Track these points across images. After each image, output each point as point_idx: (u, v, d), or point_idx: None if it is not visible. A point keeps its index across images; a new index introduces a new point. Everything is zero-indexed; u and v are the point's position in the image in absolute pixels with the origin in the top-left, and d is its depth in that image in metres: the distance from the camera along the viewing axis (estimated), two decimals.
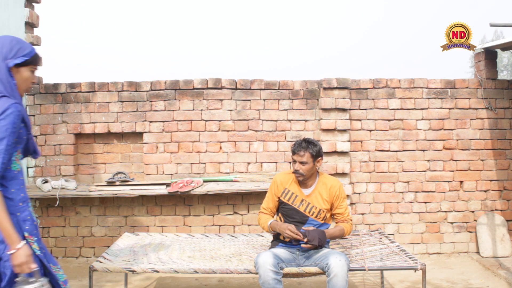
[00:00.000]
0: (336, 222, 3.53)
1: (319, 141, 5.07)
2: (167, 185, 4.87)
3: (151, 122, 5.05)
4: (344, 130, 5.01)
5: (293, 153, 3.39)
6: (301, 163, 3.37)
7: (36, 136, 5.04)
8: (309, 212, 3.40)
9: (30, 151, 2.32)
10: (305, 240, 3.23)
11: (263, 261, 3.08)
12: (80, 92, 5.06)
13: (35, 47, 5.14)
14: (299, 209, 3.41)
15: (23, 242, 2.09)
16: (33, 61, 2.25)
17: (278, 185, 3.49)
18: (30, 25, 5.08)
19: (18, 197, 2.16)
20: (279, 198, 3.50)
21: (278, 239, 3.50)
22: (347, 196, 4.98)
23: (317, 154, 3.39)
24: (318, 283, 4.24)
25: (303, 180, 3.44)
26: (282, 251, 3.37)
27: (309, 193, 3.45)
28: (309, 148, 3.36)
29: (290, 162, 5.10)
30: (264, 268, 3.05)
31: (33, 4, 5.12)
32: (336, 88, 4.98)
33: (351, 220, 3.53)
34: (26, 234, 2.16)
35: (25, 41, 2.28)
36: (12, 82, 2.18)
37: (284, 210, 3.47)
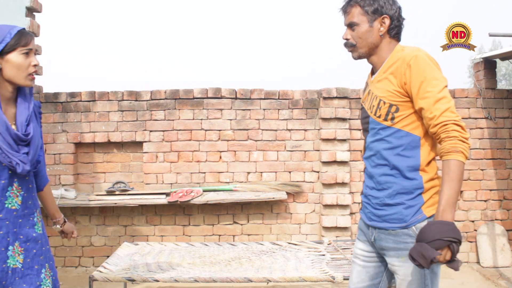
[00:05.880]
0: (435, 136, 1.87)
1: (318, 150, 5.07)
2: (167, 194, 4.86)
3: (151, 131, 5.06)
4: (344, 140, 5.01)
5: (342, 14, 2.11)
6: (350, 26, 2.05)
7: None
8: (369, 108, 2.05)
9: None
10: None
11: None
12: (80, 101, 5.07)
13: (36, 55, 5.17)
14: (364, 106, 2.12)
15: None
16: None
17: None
18: None
19: None
20: None
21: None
22: (347, 205, 4.98)
23: (377, 9, 1.99)
24: None
25: (361, 57, 2.08)
26: (361, 248, 2.15)
27: (374, 77, 2.09)
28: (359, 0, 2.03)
29: (290, 172, 5.10)
30: None
31: (34, 13, 5.14)
32: (336, 97, 4.99)
33: (454, 123, 1.79)
34: None
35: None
36: None
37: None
